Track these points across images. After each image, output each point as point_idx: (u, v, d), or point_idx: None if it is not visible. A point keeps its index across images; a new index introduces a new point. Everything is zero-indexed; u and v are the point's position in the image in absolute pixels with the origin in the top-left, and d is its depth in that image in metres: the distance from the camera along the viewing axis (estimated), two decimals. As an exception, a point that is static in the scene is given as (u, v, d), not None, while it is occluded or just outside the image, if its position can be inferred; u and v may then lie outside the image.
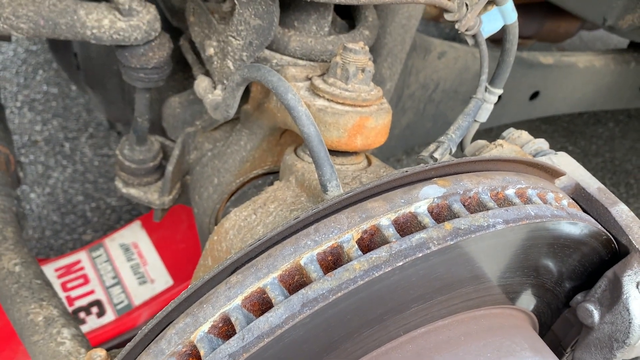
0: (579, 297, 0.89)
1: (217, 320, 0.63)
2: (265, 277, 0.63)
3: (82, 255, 1.87)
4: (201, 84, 1.03)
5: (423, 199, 0.67)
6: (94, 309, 1.73)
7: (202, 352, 0.62)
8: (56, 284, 1.78)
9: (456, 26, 0.91)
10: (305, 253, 0.63)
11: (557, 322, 0.94)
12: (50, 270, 1.82)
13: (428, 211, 0.67)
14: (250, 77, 0.83)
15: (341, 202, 0.66)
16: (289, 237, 0.65)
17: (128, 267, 1.82)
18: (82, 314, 1.72)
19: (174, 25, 1.28)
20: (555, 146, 3.60)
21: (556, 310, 0.92)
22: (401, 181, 0.69)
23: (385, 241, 0.64)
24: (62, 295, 1.76)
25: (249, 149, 1.10)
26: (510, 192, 0.73)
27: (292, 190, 0.91)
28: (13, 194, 1.31)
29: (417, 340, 0.72)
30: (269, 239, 0.64)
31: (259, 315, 0.61)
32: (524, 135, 1.06)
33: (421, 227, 0.65)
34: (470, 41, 0.96)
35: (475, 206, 0.70)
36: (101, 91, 1.62)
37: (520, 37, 2.87)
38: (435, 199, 0.68)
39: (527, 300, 0.88)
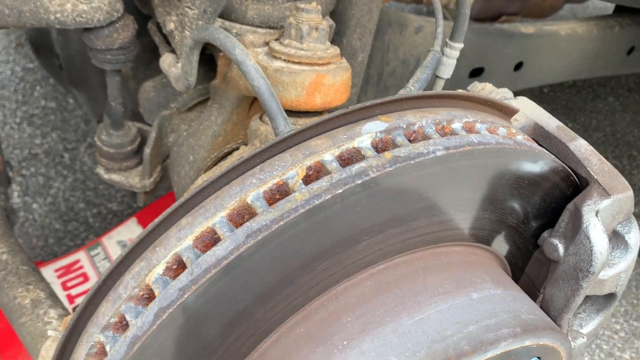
0: (545, 234, 0.89)
1: (171, 261, 0.65)
2: (214, 217, 0.64)
3: (81, 255, 1.90)
4: (166, 60, 1.06)
5: (365, 134, 0.69)
6: (95, 305, 1.76)
7: (156, 293, 0.64)
8: (56, 284, 1.81)
9: (404, -22, 0.93)
10: (252, 191, 0.65)
11: (529, 264, 0.95)
12: (50, 271, 1.85)
13: (372, 145, 0.69)
14: (200, 38, 0.85)
15: (286, 142, 0.68)
16: (235, 179, 0.67)
17: (126, 262, 1.85)
18: (83, 311, 1.75)
19: (144, 13, 1.31)
20: (555, 124, 3.59)
21: (526, 251, 0.93)
22: (344, 119, 0.70)
23: (329, 174, 0.66)
24: (62, 294, 1.79)
25: (219, 123, 1.12)
26: (456, 125, 0.74)
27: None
28: (1, 190, 1.35)
29: (375, 277, 0.73)
30: (216, 180, 0.66)
31: (209, 252, 0.62)
32: (488, 86, 1.07)
33: (364, 159, 0.67)
34: (421, -5, 0.97)
35: (422, 139, 0.71)
36: (85, 89, 1.65)
37: (505, 13, 2.84)
38: (378, 134, 0.69)
39: (500, 243, 0.89)
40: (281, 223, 0.61)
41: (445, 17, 1.93)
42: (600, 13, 3.68)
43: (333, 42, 1.30)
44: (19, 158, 2.82)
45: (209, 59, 1.24)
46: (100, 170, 1.27)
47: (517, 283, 0.96)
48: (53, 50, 1.66)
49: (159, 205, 1.93)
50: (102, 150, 1.23)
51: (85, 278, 1.84)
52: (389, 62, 1.78)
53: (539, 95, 3.78)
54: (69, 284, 1.82)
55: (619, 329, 2.45)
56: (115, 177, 1.26)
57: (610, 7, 2.48)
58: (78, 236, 2.49)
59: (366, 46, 1.39)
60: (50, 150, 2.88)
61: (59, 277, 1.85)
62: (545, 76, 2.23)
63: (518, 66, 2.12)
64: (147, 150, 1.21)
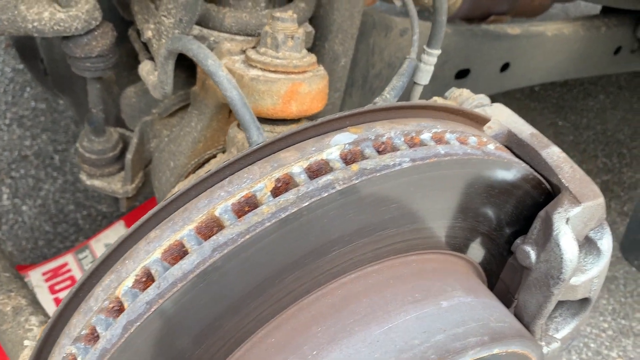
0: (518, 241, 0.90)
1: (140, 274, 0.65)
2: (182, 230, 0.65)
3: (68, 258, 1.91)
4: (144, 67, 1.06)
5: (334, 146, 0.69)
6: (82, 308, 1.76)
7: (125, 306, 0.64)
8: (44, 287, 1.82)
9: (378, -13, 0.94)
10: (220, 204, 0.66)
11: (504, 271, 0.96)
12: (37, 274, 1.86)
13: (340, 157, 0.69)
14: (173, 49, 0.86)
15: (255, 154, 0.69)
16: (204, 191, 0.67)
17: (113, 265, 1.85)
18: (70, 314, 1.75)
19: (126, 18, 1.32)
20: (545, 122, 3.60)
21: (501, 258, 0.94)
22: (314, 131, 0.71)
23: (297, 187, 0.66)
24: (50, 297, 1.79)
25: (199, 129, 1.13)
26: (425, 136, 0.75)
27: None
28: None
29: (346, 286, 0.74)
30: (184, 193, 0.66)
31: (177, 266, 0.63)
32: (465, 92, 1.08)
33: (332, 171, 0.68)
34: (397, 2, 0.98)
35: (390, 150, 0.72)
36: (70, 94, 1.65)
37: (494, 13, 2.85)
38: (347, 145, 0.70)
39: (475, 251, 0.90)
40: (247, 236, 0.62)
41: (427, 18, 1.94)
42: (592, 11, 3.71)
43: (315, 47, 1.30)
44: (9, 160, 2.82)
45: (191, 64, 1.24)
46: (83, 176, 1.27)
47: (492, 289, 0.97)
48: (38, 54, 1.66)
49: (146, 208, 1.94)
50: (84, 157, 1.24)
51: (73, 281, 1.84)
52: (374, 64, 1.79)
53: (529, 93, 3.80)
54: (57, 287, 1.83)
55: (607, 327, 2.46)
56: (97, 183, 1.26)
57: (597, 7, 2.49)
58: (68, 238, 2.50)
59: (348, 51, 1.40)
60: (40, 152, 2.88)
61: (47, 280, 1.85)
62: (532, 77, 2.24)
63: (504, 67, 2.12)
64: (128, 156, 1.22)
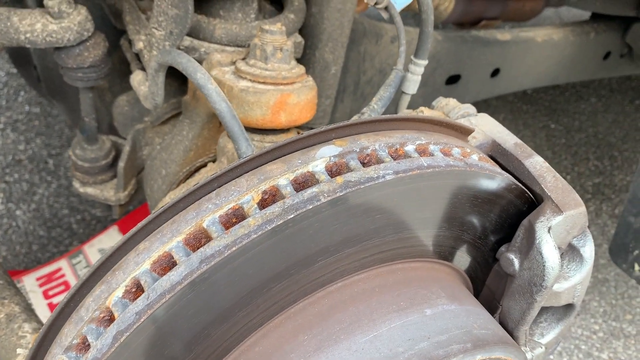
0: (502, 248, 0.92)
1: (130, 285, 0.67)
2: (170, 241, 0.67)
3: (62, 263, 1.92)
4: (136, 77, 1.08)
5: (319, 159, 0.71)
6: (76, 313, 1.77)
7: (116, 316, 0.66)
8: (38, 293, 1.83)
9: (365, 0, 0.95)
10: (208, 216, 0.67)
11: (489, 277, 0.98)
12: (31, 279, 1.87)
13: (326, 169, 0.71)
14: (163, 62, 0.87)
15: (242, 167, 0.70)
16: (192, 204, 0.69)
17: (107, 270, 1.86)
18: (64, 319, 1.76)
19: (118, 27, 1.33)
20: (537, 125, 3.63)
21: (486, 265, 0.96)
22: (300, 144, 0.73)
23: (283, 199, 0.68)
24: (44, 302, 1.80)
25: (190, 138, 1.14)
26: (409, 148, 0.76)
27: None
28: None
29: (332, 295, 0.76)
30: (173, 205, 0.68)
31: (166, 277, 0.65)
32: (452, 102, 1.09)
33: (317, 183, 0.69)
34: (384, 15, 1.00)
35: (375, 163, 0.74)
36: (63, 100, 1.67)
37: (485, 18, 2.87)
38: (332, 158, 0.72)
39: (460, 259, 0.91)
40: (234, 248, 0.63)
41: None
42: (583, 15, 3.76)
43: (305, 55, 1.32)
44: (3, 164, 2.83)
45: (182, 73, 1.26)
46: (76, 184, 1.29)
47: (478, 295, 0.99)
48: (31, 61, 1.67)
49: (140, 213, 1.95)
50: (77, 164, 1.25)
51: (67, 286, 1.86)
52: (365, 71, 1.81)
53: (522, 96, 3.82)
54: (51, 293, 1.84)
55: (598, 329, 2.49)
56: (90, 190, 1.28)
57: (587, 13, 2.51)
58: (62, 242, 2.51)
59: (339, 59, 1.42)
60: (34, 156, 2.89)
61: (41, 285, 1.86)
62: (522, 82, 2.26)
63: (495, 73, 2.15)
64: (121, 164, 1.23)
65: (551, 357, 2.29)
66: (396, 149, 0.75)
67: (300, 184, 0.70)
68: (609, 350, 2.40)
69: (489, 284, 0.99)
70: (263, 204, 0.69)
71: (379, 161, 0.73)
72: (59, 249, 2.49)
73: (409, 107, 1.17)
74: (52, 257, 2.45)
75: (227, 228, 0.68)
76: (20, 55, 1.76)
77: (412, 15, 3.52)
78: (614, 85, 4.10)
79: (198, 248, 0.67)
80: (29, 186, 2.75)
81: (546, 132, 3.55)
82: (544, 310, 1.00)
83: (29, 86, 3.26)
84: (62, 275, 1.88)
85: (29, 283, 1.84)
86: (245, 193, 0.68)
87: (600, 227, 2.93)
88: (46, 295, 1.83)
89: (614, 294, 2.64)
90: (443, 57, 1.97)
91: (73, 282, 1.86)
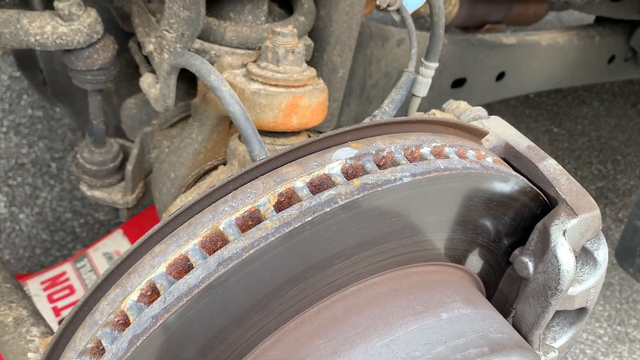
0: (516, 252, 0.91)
1: (145, 288, 0.66)
2: (186, 244, 0.66)
3: (67, 267, 1.91)
4: (146, 80, 1.07)
5: (336, 161, 0.71)
6: (81, 318, 1.76)
7: (131, 319, 0.65)
8: (42, 297, 1.82)
9: (377, 2, 0.95)
10: (224, 218, 0.67)
11: (502, 281, 0.97)
12: (36, 283, 1.86)
13: (342, 172, 0.70)
14: (176, 64, 0.87)
15: (258, 169, 0.70)
16: (208, 206, 0.68)
17: (112, 274, 1.85)
18: (69, 323, 1.76)
19: (126, 30, 1.33)
20: (540, 129, 3.63)
21: (499, 268, 0.95)
22: (316, 146, 0.72)
23: (299, 201, 0.67)
24: (49, 306, 1.80)
25: (200, 141, 1.14)
26: (425, 150, 0.76)
27: (234, 172, 0.95)
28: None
29: (347, 298, 0.75)
30: (188, 208, 0.67)
31: (182, 280, 0.64)
32: (462, 105, 1.09)
33: (334, 186, 0.69)
34: (396, 17, 1.00)
35: (390, 165, 0.73)
36: (69, 103, 1.66)
37: (489, 22, 2.87)
38: (348, 160, 0.71)
39: (473, 262, 0.91)
40: (252, 251, 0.63)
41: (424, 27, 1.95)
42: (586, 19, 3.76)
43: (313, 58, 1.32)
44: (6, 168, 2.82)
45: (192, 75, 1.26)
46: (83, 187, 1.28)
47: (491, 299, 0.99)
48: (37, 64, 1.66)
49: (145, 217, 1.95)
50: (85, 168, 1.25)
51: (71, 290, 1.85)
52: (371, 74, 1.81)
53: (524, 100, 3.82)
54: (55, 297, 1.83)
55: (603, 333, 2.48)
56: (98, 193, 1.27)
57: (591, 17, 2.51)
58: (65, 246, 2.50)
59: (346, 62, 1.42)
60: (37, 160, 2.88)
61: (45, 289, 1.85)
62: (527, 85, 2.26)
63: (500, 76, 2.14)
64: (129, 167, 1.23)
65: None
66: (412, 151, 0.75)
67: (317, 187, 0.70)
68: (614, 355, 2.39)
69: (501, 288, 0.98)
70: (279, 207, 0.68)
71: (395, 163, 0.73)
72: (62, 253, 2.48)
73: (417, 111, 1.17)
74: (55, 261, 2.44)
75: (243, 231, 0.67)
76: (26, 59, 1.76)
77: (416, 19, 3.52)
78: (616, 89, 4.10)
79: (214, 251, 0.67)
80: (32, 190, 2.74)
81: (549, 136, 3.55)
82: (556, 314, 0.99)
83: (32, 89, 3.25)
84: (67, 279, 1.87)
85: (34, 287, 1.83)
86: (261, 195, 0.68)
87: (604, 231, 2.92)
88: (50, 299, 1.82)
89: (618, 298, 2.63)
90: (449, 61, 1.97)
91: (77, 286, 1.85)
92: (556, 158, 3.40)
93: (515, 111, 3.72)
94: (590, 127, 3.76)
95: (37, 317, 1.12)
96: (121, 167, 1.29)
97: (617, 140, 3.68)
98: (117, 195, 1.28)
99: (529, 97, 3.86)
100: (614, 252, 1.93)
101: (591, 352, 2.39)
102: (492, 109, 3.51)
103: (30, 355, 0.80)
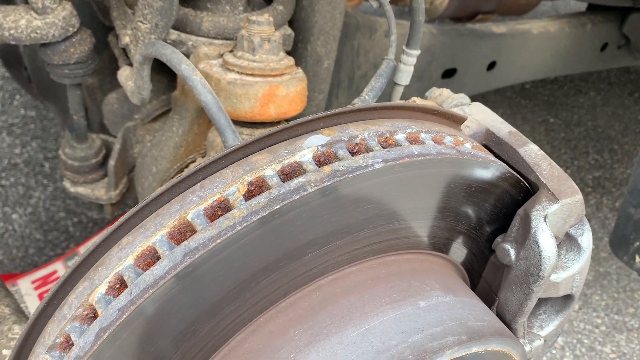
0: (498, 239, 0.90)
1: (113, 280, 0.65)
2: (154, 235, 0.65)
3: (58, 266, 1.90)
4: (123, 73, 1.06)
5: (307, 148, 0.69)
6: (72, 316, 1.76)
7: (99, 312, 0.64)
8: (34, 296, 1.81)
9: (354, -12, 0.93)
10: (192, 208, 0.66)
11: (486, 269, 0.96)
12: (27, 282, 1.85)
13: (313, 159, 0.69)
14: (147, 54, 0.85)
15: (227, 158, 0.69)
16: (176, 197, 0.67)
17: (103, 272, 1.85)
18: (60, 322, 1.75)
19: (107, 24, 1.31)
20: (537, 119, 3.61)
21: (482, 256, 0.94)
22: (287, 134, 0.71)
23: (269, 190, 0.66)
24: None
25: (180, 134, 1.12)
26: (400, 136, 0.74)
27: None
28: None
29: (324, 288, 0.74)
30: (156, 199, 0.66)
31: (150, 271, 0.63)
32: (445, 92, 1.08)
33: (305, 173, 0.67)
34: (374, 4, 0.98)
35: (364, 152, 0.72)
36: (54, 101, 1.65)
37: (481, 12, 2.85)
38: (320, 147, 0.70)
39: (456, 250, 0.89)
40: (219, 241, 0.61)
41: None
42: (581, 8, 3.74)
43: (297, 49, 1.30)
44: (-2, 168, 2.81)
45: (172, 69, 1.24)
46: (67, 184, 1.27)
47: (475, 288, 0.97)
48: (22, 62, 1.65)
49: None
50: (67, 164, 1.23)
51: (62, 289, 1.84)
52: (359, 66, 1.79)
53: (520, 91, 3.80)
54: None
55: (600, 323, 2.47)
56: (81, 190, 1.26)
57: (584, 4, 2.49)
58: (59, 246, 2.49)
59: (331, 52, 1.40)
60: (30, 160, 2.87)
61: (36, 288, 1.84)
62: (518, 75, 2.24)
63: (491, 66, 2.13)
64: (111, 162, 1.21)
65: (553, 350, 2.27)
66: (386, 137, 0.74)
67: (287, 175, 0.68)
68: (612, 344, 2.37)
69: (485, 276, 0.97)
70: (249, 196, 0.67)
71: (369, 150, 0.71)
72: (55, 252, 2.47)
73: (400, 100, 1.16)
74: (48, 261, 2.43)
75: (212, 221, 0.66)
76: (11, 56, 1.75)
77: (408, 11, 3.50)
78: (612, 79, 4.08)
79: (182, 242, 0.66)
80: (25, 190, 2.73)
81: (545, 126, 3.53)
82: (542, 301, 0.98)
83: (23, 89, 3.24)
84: (58, 278, 1.86)
85: (25, 286, 1.82)
86: (230, 184, 0.66)
87: (601, 221, 2.91)
88: (41, 298, 1.81)
89: (615, 288, 2.61)
90: (438, 51, 1.96)
91: (69, 284, 1.84)
92: (552, 148, 3.38)
93: (511, 102, 3.70)
94: (587, 117, 3.74)
95: (19, 315, 1.10)
96: (104, 162, 1.28)
97: (613, 129, 3.66)
98: (101, 191, 1.26)
99: (525, 88, 3.84)
100: (609, 240, 1.92)
101: (588, 341, 2.37)
102: (488, 100, 3.49)
103: (5, 352, 0.79)
